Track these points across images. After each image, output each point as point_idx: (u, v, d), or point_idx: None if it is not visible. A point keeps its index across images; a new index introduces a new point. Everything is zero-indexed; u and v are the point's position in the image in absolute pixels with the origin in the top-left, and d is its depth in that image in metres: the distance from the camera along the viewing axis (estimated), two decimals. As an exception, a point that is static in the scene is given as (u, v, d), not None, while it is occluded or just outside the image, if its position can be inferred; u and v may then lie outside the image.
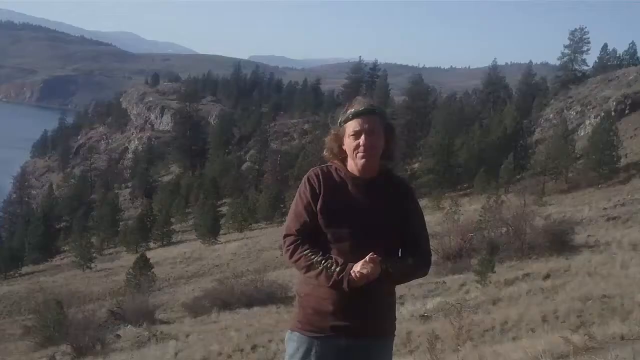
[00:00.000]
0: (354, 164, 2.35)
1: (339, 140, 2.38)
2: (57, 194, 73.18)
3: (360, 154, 2.31)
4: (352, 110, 2.35)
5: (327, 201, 2.32)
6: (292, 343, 2.39)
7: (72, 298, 25.12)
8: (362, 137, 2.30)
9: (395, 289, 2.48)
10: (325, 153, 2.45)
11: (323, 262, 2.22)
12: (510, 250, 17.91)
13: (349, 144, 2.34)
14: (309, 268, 2.25)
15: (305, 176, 2.39)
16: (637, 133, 45.40)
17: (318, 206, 2.32)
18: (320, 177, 2.37)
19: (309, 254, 2.26)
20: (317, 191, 2.34)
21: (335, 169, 2.40)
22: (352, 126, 2.33)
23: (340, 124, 2.37)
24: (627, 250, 15.40)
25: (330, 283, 2.21)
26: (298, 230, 2.32)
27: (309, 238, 2.30)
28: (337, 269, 2.19)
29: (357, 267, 2.17)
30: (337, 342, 2.31)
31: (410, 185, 2.51)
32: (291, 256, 2.31)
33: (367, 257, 2.17)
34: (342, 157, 2.40)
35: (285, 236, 2.36)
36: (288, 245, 2.33)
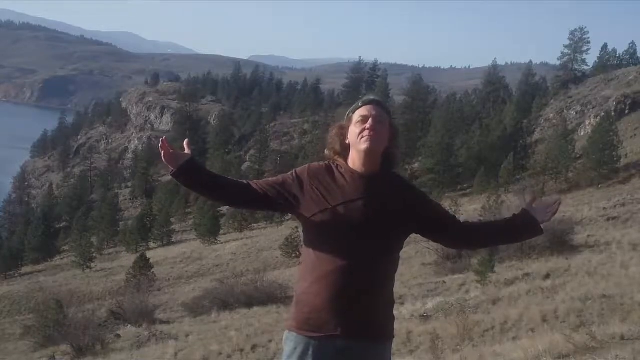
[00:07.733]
0: (356, 155, 2.28)
1: (344, 132, 2.32)
2: (57, 194, 73.26)
3: (364, 138, 2.23)
4: (363, 99, 2.33)
5: (323, 198, 2.24)
6: (289, 343, 2.32)
7: (72, 298, 25.23)
8: (370, 120, 2.25)
9: (394, 290, 2.42)
10: (326, 152, 2.38)
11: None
12: (510, 250, 17.90)
13: (354, 131, 2.27)
14: None
15: (302, 167, 2.36)
16: (637, 133, 45.45)
17: (313, 206, 2.25)
18: (315, 171, 2.31)
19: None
20: (297, 185, 2.29)
21: (337, 165, 2.33)
22: (360, 112, 2.28)
23: (348, 115, 2.34)
24: (627, 250, 15.39)
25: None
26: (253, 182, 2.35)
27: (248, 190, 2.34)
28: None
29: None
30: (335, 342, 2.24)
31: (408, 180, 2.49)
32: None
33: None
34: (344, 155, 2.32)
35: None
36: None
